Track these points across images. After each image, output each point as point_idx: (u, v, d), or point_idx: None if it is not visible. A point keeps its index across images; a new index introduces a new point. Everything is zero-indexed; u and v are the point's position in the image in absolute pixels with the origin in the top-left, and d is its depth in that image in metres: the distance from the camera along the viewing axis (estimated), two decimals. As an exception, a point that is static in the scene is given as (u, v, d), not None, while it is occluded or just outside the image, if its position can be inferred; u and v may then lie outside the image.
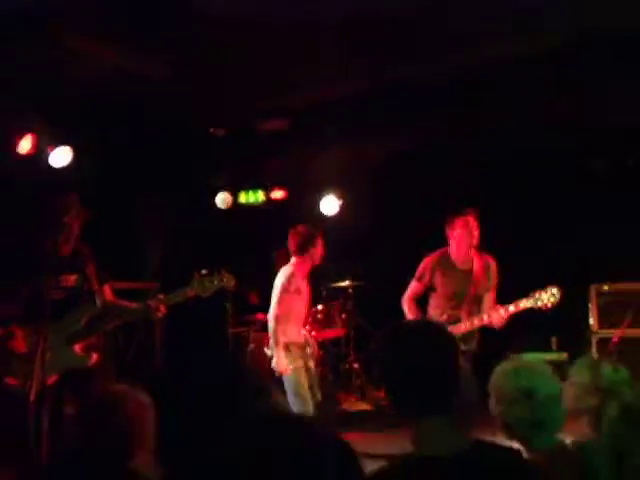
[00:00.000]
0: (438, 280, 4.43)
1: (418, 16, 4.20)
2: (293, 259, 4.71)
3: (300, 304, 4.64)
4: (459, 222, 4.33)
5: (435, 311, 4.46)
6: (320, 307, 6.47)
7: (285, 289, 4.52)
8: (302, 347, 4.62)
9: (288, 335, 4.50)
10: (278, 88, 5.45)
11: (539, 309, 3.99)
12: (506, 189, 6.33)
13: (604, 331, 5.69)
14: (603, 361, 2.61)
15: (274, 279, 6.32)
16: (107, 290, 3.91)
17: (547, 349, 5.97)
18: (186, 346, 6.31)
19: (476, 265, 4.35)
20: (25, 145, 5.03)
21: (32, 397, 3.39)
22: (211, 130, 6.25)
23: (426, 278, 4.46)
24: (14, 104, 4.91)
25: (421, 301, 4.65)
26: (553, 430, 2.10)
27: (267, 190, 7.04)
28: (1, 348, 3.66)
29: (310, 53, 4.73)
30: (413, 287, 4.54)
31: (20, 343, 3.62)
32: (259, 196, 7.07)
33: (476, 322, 4.23)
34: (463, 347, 4.17)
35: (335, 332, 6.54)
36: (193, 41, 4.59)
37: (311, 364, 4.66)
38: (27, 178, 5.23)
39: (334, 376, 6.42)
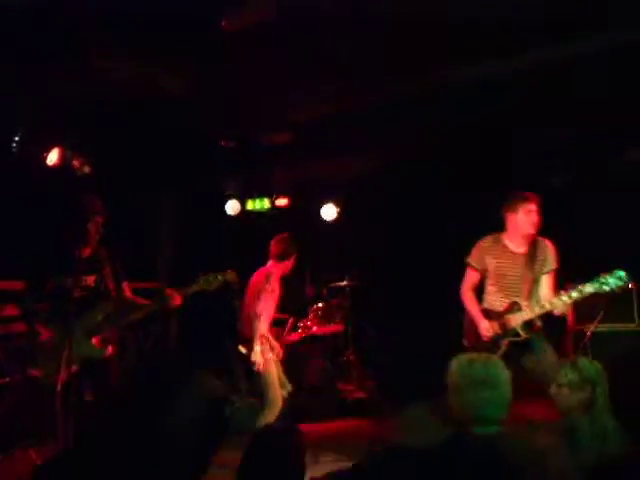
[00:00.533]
0: (492, 265, 4.12)
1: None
2: (271, 262, 4.95)
3: (272, 303, 4.87)
4: (523, 208, 4.03)
5: (492, 298, 4.14)
6: (321, 305, 6.73)
7: (265, 288, 4.77)
8: (269, 340, 4.80)
9: (261, 329, 4.72)
10: (282, 105, 5.66)
11: (606, 294, 3.63)
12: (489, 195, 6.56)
13: (579, 326, 5.90)
14: (578, 358, 2.75)
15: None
16: (126, 288, 4.12)
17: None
18: (198, 341, 6.58)
19: (531, 247, 4.02)
20: (53, 157, 5.31)
21: (59, 387, 3.61)
22: (222, 143, 6.46)
23: (480, 264, 4.16)
24: (43, 120, 5.18)
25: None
26: (493, 416, 2.19)
27: (272, 198, 7.31)
28: (28, 343, 3.94)
29: (312, 73, 4.98)
30: (469, 276, 4.23)
31: (45, 339, 3.79)
32: (265, 203, 7.33)
33: (537, 310, 3.87)
34: (524, 335, 3.91)
35: (334, 327, 6.73)
36: (208, 61, 4.80)
37: (276, 358, 4.82)
38: (55, 187, 5.37)
39: (333, 367, 6.59)
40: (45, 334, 3.81)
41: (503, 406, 2.23)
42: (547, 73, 4.91)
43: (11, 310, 4.54)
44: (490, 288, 4.16)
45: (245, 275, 5.22)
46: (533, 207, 4.05)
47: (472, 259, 4.22)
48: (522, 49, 4.62)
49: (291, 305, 7.00)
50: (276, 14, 4.19)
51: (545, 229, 4.13)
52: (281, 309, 6.94)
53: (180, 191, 7.01)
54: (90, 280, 3.95)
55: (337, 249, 6.49)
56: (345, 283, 6.90)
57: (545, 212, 6.29)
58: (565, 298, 3.76)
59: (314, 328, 6.61)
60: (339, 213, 7.22)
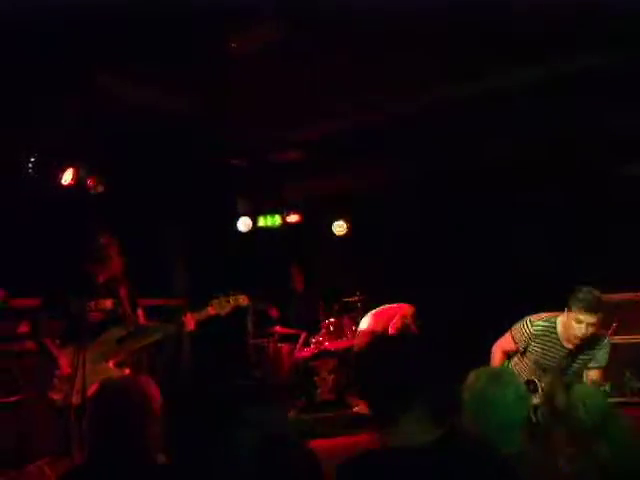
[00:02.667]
0: (535, 352, 3.60)
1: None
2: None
3: None
4: (575, 314, 3.38)
5: (518, 368, 3.69)
6: (332, 320, 6.77)
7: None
8: None
9: None
10: (294, 123, 5.80)
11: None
12: (499, 207, 6.56)
13: None
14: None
15: (290, 293, 6.76)
16: (140, 314, 4.17)
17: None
18: (211, 361, 6.69)
19: (582, 343, 3.46)
20: (67, 177, 5.43)
21: (74, 406, 3.67)
22: (234, 162, 6.60)
23: (523, 344, 3.62)
24: (57, 141, 5.31)
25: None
26: (511, 435, 2.12)
27: (283, 214, 7.41)
28: (46, 369, 3.93)
29: (322, 91, 5.09)
30: (507, 344, 3.71)
31: (62, 364, 3.84)
32: (276, 220, 7.42)
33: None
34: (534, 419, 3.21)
35: (346, 342, 6.73)
36: (220, 82, 4.93)
37: None
38: (70, 206, 5.50)
39: (346, 382, 6.55)
40: (65, 369, 3.83)
41: (511, 427, 2.14)
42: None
43: (26, 327, 4.60)
44: (520, 358, 3.73)
45: (256, 290, 5.27)
46: (587, 319, 3.39)
47: (516, 336, 3.66)
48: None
49: (303, 321, 7.04)
50: (284, 35, 4.29)
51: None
52: (293, 325, 7.00)
53: (193, 209, 7.10)
54: (108, 304, 4.02)
55: (348, 264, 6.52)
56: (356, 298, 6.92)
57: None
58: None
59: (326, 343, 6.67)
60: (349, 229, 7.28)
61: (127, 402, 2.07)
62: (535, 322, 3.61)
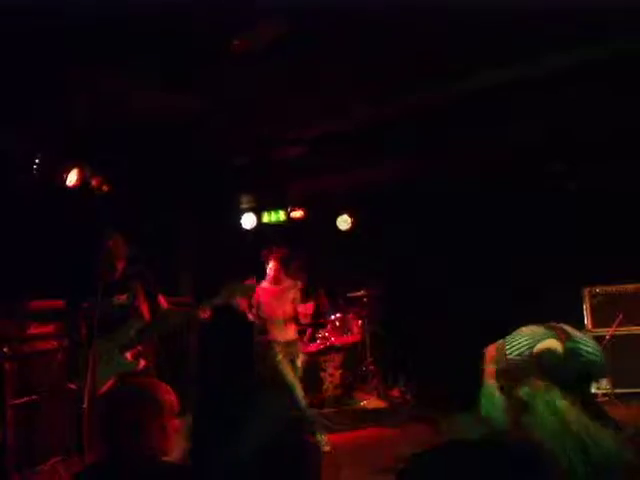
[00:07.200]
0: None
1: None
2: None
3: None
4: None
5: None
6: (338, 315, 6.81)
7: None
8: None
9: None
10: (298, 120, 5.79)
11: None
12: (504, 204, 6.56)
13: (597, 330, 5.87)
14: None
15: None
16: (162, 300, 4.20)
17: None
18: (217, 354, 6.78)
19: None
20: (72, 178, 5.39)
21: (85, 402, 3.65)
22: (237, 158, 6.56)
23: None
24: (62, 142, 5.31)
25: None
26: None
27: (287, 210, 7.41)
28: (62, 369, 4.15)
29: (327, 88, 5.09)
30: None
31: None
32: (280, 216, 7.44)
33: None
34: None
35: (352, 338, 6.80)
36: (223, 79, 4.88)
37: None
38: (75, 207, 5.51)
39: (353, 377, 6.67)
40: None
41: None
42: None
43: (45, 328, 4.69)
44: None
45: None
46: None
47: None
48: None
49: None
50: (287, 30, 4.28)
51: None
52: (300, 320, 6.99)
53: (197, 206, 7.11)
54: (122, 298, 4.09)
55: (353, 259, 6.52)
56: (361, 293, 6.92)
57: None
58: None
59: (332, 339, 6.69)
60: (354, 224, 7.27)
61: (139, 404, 2.08)
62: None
